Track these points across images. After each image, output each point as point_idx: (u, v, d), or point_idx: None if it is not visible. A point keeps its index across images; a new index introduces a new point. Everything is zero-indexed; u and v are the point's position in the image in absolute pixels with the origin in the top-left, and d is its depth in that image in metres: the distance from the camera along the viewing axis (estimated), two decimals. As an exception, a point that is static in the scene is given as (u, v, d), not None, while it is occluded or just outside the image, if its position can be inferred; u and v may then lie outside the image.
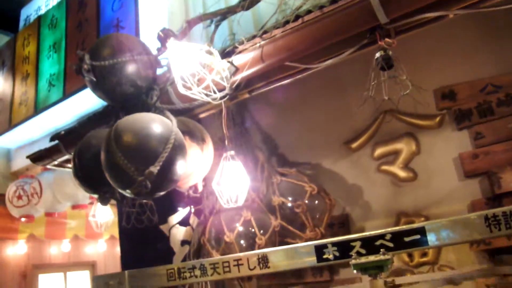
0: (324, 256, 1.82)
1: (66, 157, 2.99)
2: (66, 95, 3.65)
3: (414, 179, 2.92)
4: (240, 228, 2.53)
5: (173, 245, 3.12)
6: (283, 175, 2.80)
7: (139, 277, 2.21)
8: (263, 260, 1.90)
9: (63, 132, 2.90)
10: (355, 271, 1.76)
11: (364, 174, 3.08)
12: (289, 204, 2.71)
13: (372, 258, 1.72)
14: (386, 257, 1.69)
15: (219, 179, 2.08)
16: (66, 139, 2.88)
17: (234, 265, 1.94)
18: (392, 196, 2.98)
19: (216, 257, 2.08)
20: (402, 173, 2.96)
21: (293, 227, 2.67)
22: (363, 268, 1.75)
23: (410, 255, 2.82)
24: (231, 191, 2.08)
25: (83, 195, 3.97)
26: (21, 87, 4.34)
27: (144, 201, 2.36)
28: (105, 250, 5.81)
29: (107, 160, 1.81)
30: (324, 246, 1.83)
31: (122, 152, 1.73)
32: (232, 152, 2.08)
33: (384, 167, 3.02)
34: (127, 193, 1.79)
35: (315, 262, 1.84)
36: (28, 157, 3.21)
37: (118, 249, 6.04)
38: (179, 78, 1.82)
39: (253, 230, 2.55)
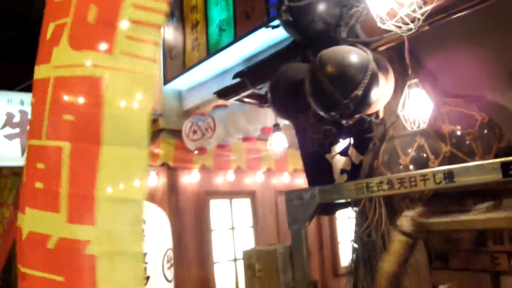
0: (511, 172, 1.98)
1: (248, 92, 3.40)
2: (237, 38, 4.06)
3: None
4: (414, 153, 2.75)
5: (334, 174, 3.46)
6: (452, 105, 2.93)
7: (329, 191, 2.57)
8: (449, 175, 2.11)
9: (246, 70, 3.31)
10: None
11: (535, 105, 3.06)
12: (459, 132, 2.85)
13: None
14: None
15: (403, 104, 2.30)
16: (250, 76, 3.28)
17: (421, 180, 2.19)
18: None
19: (403, 173, 2.33)
20: None
21: (462, 155, 2.82)
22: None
23: None
24: (415, 116, 2.30)
25: (254, 129, 4.45)
26: (191, 34, 4.88)
27: (328, 127, 2.68)
28: (262, 180, 6.41)
29: (314, 87, 2.13)
30: (511, 163, 1.98)
31: (328, 79, 2.03)
32: (416, 80, 2.28)
33: None
34: (330, 115, 2.11)
35: (500, 178, 2.00)
36: (215, 93, 3.70)
37: (273, 180, 6.65)
38: (375, 11, 2.04)
39: (425, 155, 2.76)
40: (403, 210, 3.08)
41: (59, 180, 1.58)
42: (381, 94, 2.36)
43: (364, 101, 2.06)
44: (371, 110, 2.37)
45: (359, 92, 1.98)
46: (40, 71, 1.79)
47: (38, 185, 1.68)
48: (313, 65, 2.14)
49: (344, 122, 2.72)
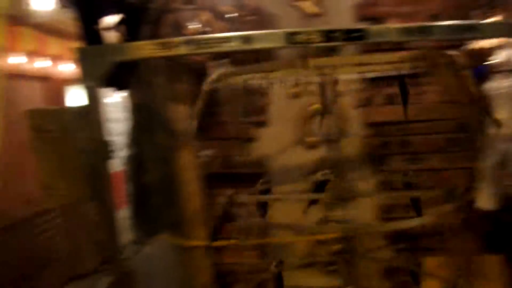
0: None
1: None
2: None
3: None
4: (200, 25, 3.00)
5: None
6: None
7: (122, 48, 2.54)
8: (247, 40, 2.44)
9: None
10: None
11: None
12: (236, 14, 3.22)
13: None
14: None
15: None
16: None
17: (223, 42, 2.44)
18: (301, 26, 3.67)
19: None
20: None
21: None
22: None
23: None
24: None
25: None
26: None
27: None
28: None
29: None
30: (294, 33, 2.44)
31: None
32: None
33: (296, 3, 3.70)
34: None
35: (285, 44, 2.43)
36: None
37: None
38: None
39: (209, 29, 3.04)
40: (179, 80, 3.34)
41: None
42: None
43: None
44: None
45: None
46: None
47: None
48: None
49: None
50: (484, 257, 3.65)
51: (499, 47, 3.40)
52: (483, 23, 2.31)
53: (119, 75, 3.10)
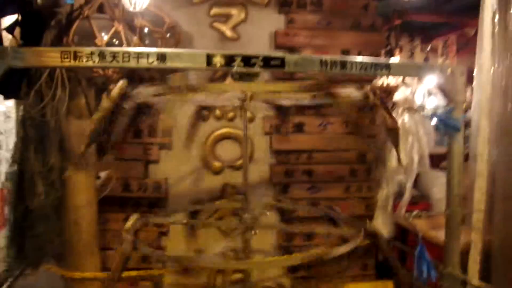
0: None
1: None
2: None
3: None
4: (110, 37, 2.78)
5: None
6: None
7: (26, 53, 2.27)
8: (162, 57, 2.29)
9: None
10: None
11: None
12: (147, 29, 3.06)
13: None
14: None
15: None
16: None
17: (134, 57, 2.25)
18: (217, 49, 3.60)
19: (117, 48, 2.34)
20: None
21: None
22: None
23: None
24: None
25: None
26: None
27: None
28: None
29: None
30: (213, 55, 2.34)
31: None
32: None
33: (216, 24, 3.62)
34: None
35: (204, 66, 2.33)
36: None
37: None
38: None
39: (118, 41, 2.84)
40: (78, 94, 3.06)
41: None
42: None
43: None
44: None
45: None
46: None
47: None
48: None
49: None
50: (376, 282, 3.81)
51: (401, 84, 3.63)
52: (395, 63, 2.43)
53: (9, 81, 2.75)
